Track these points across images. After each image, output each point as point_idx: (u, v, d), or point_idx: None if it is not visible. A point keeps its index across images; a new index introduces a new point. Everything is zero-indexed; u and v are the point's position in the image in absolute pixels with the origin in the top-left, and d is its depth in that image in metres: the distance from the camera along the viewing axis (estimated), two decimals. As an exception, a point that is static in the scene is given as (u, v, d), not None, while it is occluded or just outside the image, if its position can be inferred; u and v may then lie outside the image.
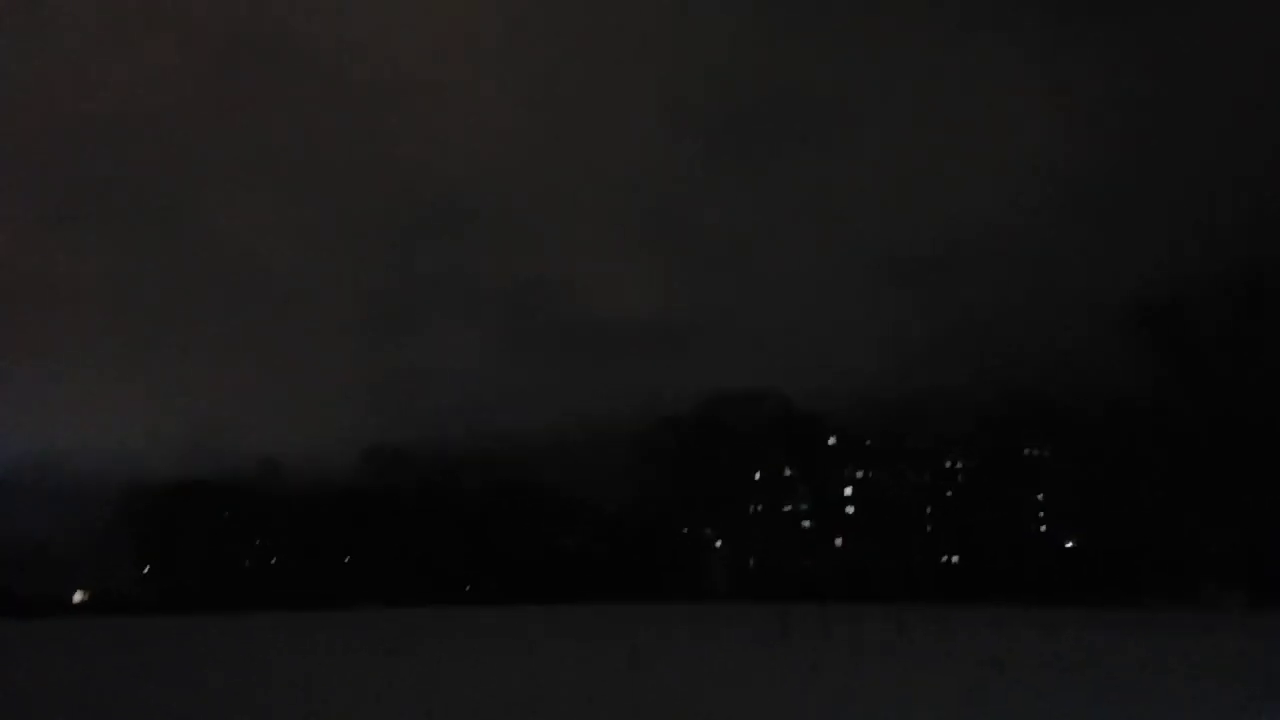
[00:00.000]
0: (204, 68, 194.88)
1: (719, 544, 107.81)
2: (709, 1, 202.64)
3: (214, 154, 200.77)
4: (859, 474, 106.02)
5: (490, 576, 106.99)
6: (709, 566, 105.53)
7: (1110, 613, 56.63)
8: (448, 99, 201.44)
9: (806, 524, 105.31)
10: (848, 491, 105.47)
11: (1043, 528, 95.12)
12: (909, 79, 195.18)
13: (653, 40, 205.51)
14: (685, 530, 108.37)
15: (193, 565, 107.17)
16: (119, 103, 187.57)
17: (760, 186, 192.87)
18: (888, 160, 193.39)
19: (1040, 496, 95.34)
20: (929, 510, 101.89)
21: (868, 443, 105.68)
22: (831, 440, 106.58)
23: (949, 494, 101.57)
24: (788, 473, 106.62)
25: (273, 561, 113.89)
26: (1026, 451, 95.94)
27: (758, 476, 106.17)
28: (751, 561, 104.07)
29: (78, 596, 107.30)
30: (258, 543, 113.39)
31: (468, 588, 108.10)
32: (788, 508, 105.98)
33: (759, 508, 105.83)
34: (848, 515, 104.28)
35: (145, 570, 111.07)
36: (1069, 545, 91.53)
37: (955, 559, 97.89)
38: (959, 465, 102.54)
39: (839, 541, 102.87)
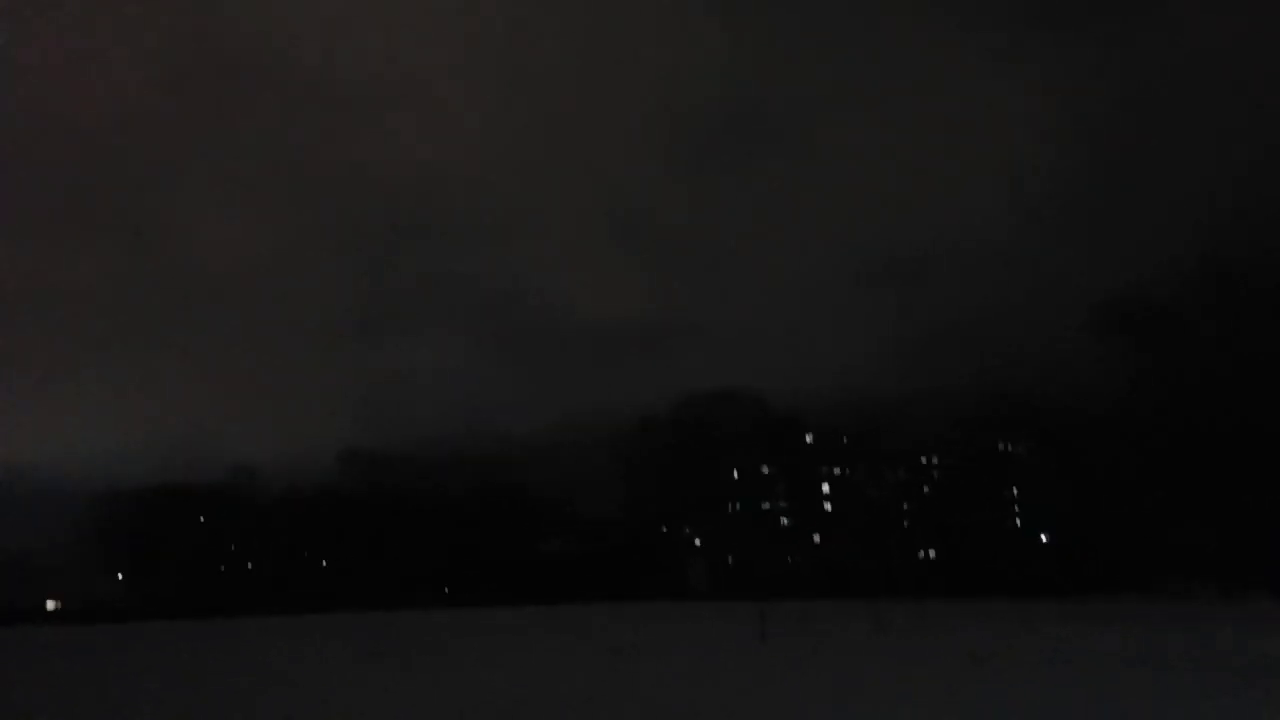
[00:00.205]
0: (177, 78, 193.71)
1: (698, 543, 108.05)
2: (687, 6, 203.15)
3: (189, 163, 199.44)
4: (836, 472, 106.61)
5: (470, 579, 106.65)
6: (689, 565, 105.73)
7: (1085, 605, 57.24)
8: (424, 106, 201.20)
9: (785, 522, 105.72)
10: (825, 489, 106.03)
11: (1018, 523, 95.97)
12: (887, 83, 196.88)
13: (630, 44, 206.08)
14: (665, 530, 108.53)
15: (168, 571, 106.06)
16: (91, 114, 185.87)
17: (738, 189, 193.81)
18: (865, 163, 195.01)
19: (1016, 492, 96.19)
20: (906, 507, 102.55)
21: (845, 441, 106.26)
22: (809, 439, 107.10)
23: (926, 491, 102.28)
24: (766, 471, 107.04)
25: (249, 566, 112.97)
26: (1002, 448, 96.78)
27: (736, 475, 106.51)
28: (731, 560, 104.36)
29: (50, 604, 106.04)
30: (233, 548, 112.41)
31: (447, 590, 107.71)
32: (766, 506, 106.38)
33: (738, 506, 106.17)
34: (826, 513, 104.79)
35: (120, 577, 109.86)
36: (1044, 540, 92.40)
37: (932, 554, 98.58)
38: (935, 462, 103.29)
39: (817, 539, 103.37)
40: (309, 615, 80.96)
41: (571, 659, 27.53)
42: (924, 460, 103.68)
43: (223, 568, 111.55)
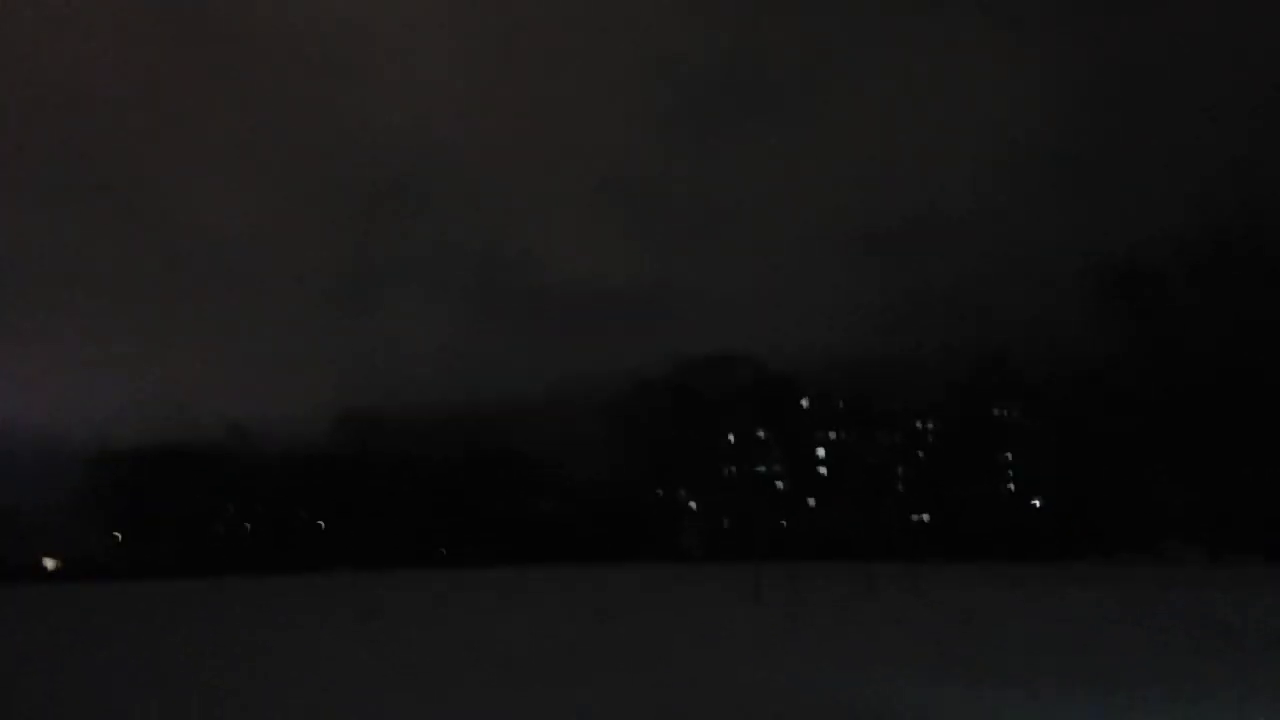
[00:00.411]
0: (161, 43, 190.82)
1: (693, 506, 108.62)
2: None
3: (180, 128, 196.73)
4: (831, 436, 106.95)
5: (465, 541, 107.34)
6: (683, 529, 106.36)
7: (1077, 569, 57.77)
8: (409, 67, 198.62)
9: (779, 485, 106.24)
10: (820, 453, 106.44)
11: (1011, 487, 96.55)
12: (879, 50, 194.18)
13: (619, 6, 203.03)
14: (659, 493, 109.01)
15: (165, 532, 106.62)
16: (69, 83, 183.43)
17: (729, 154, 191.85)
18: (859, 128, 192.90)
19: (1009, 457, 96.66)
20: (900, 471, 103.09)
21: (840, 405, 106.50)
22: (804, 403, 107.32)
23: (920, 455, 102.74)
24: (761, 435, 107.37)
25: (246, 527, 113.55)
26: (996, 413, 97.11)
27: (731, 439, 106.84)
28: (725, 523, 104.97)
29: (49, 563, 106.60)
30: (231, 509, 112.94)
31: (443, 552, 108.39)
32: (761, 469, 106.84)
33: (732, 470, 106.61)
34: (820, 476, 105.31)
35: (117, 537, 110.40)
36: (1036, 504, 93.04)
37: (926, 518, 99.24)
38: (929, 427, 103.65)
39: (812, 502, 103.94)
40: (305, 575, 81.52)
41: (565, 619, 27.75)
42: (919, 425, 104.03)
43: (220, 528, 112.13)
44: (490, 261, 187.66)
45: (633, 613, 29.68)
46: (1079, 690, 13.58)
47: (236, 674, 17.69)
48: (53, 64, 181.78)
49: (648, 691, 14.33)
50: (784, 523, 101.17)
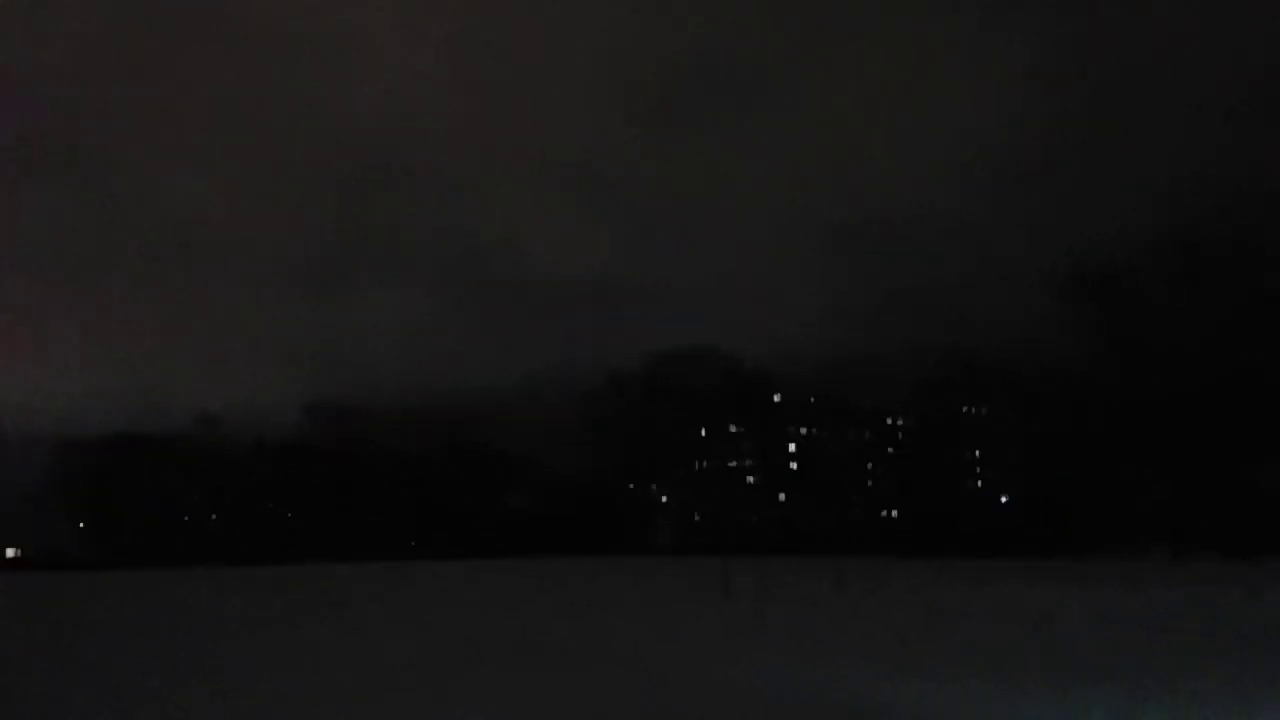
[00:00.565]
0: (135, 25, 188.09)
1: (665, 500, 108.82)
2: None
3: (150, 112, 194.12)
4: (803, 431, 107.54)
5: (436, 533, 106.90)
6: (655, 522, 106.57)
7: (1042, 565, 58.43)
8: (381, 53, 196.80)
9: (751, 480, 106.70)
10: (792, 448, 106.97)
11: (979, 484, 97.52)
12: (854, 49, 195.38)
13: (587, 3, 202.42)
14: (631, 487, 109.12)
15: (130, 521, 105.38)
16: (44, 60, 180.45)
17: (701, 148, 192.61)
18: (832, 128, 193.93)
19: (977, 454, 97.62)
20: (870, 467, 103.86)
21: (812, 401, 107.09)
22: (776, 398, 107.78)
23: (890, 451, 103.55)
24: (733, 430, 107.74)
25: (213, 517, 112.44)
26: (965, 411, 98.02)
27: (703, 434, 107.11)
28: (697, 517, 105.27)
29: (11, 552, 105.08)
30: (197, 498, 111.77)
31: (413, 544, 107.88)
32: (733, 464, 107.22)
33: (704, 464, 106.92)
34: (792, 471, 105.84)
35: (81, 526, 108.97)
36: (1004, 501, 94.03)
37: (895, 514, 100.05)
38: (899, 423, 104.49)
39: (782, 497, 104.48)
40: (272, 566, 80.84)
41: (535, 612, 27.71)
42: (889, 421, 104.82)
43: (186, 518, 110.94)
44: (464, 253, 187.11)
45: (602, 606, 29.68)
46: (1044, 686, 13.73)
47: (202, 666, 17.51)
48: (21, 44, 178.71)
49: (617, 685, 14.34)
50: (754, 517, 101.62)
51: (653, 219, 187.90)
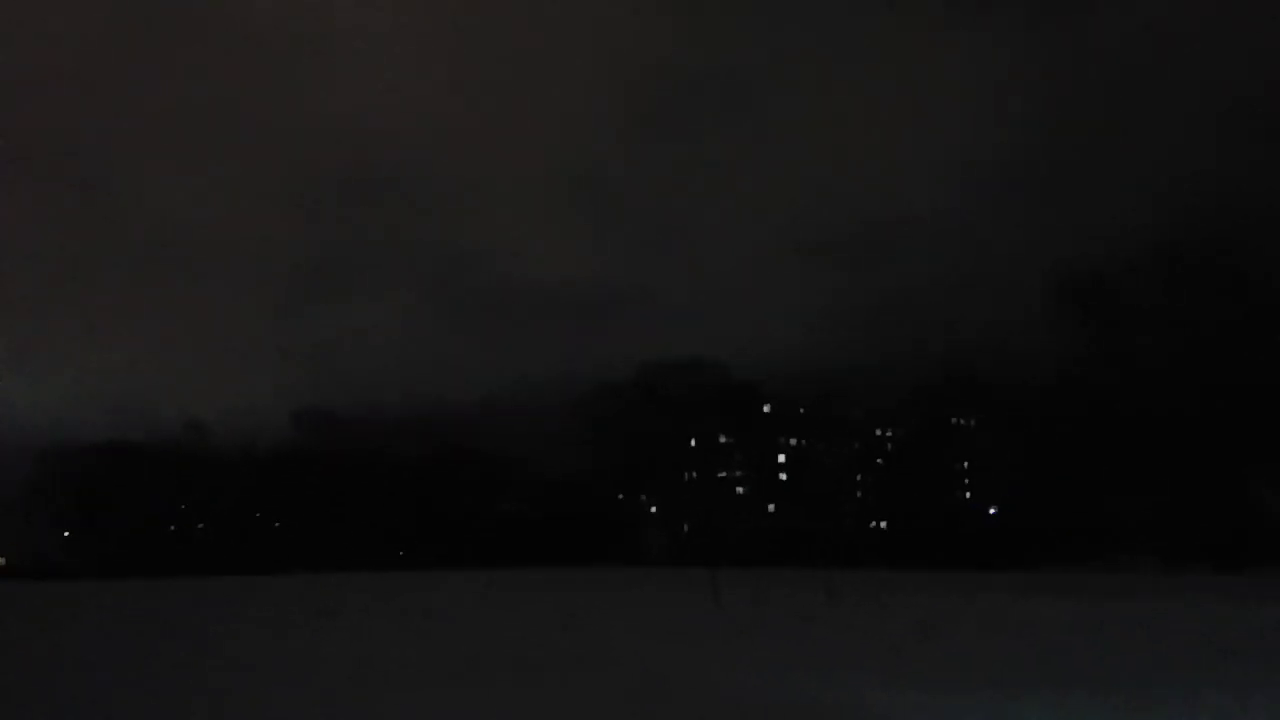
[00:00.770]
0: (117, 31, 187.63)
1: (654, 510, 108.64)
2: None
3: (137, 119, 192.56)
4: (793, 442, 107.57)
5: (425, 541, 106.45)
6: (644, 532, 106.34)
7: (1032, 576, 58.48)
8: (376, 66, 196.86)
9: (741, 490, 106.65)
10: (781, 459, 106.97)
11: (969, 495, 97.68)
12: (844, 56, 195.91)
13: (580, 10, 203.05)
14: (621, 496, 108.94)
15: (117, 529, 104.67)
16: (23, 67, 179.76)
17: (689, 158, 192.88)
18: (822, 136, 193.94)
19: (966, 465, 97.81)
20: (860, 478, 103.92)
21: (801, 411, 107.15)
22: (766, 409, 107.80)
23: (879, 462, 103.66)
24: (723, 440, 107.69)
25: (201, 525, 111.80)
26: (954, 421, 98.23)
27: (693, 443, 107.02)
28: (686, 527, 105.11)
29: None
30: (184, 507, 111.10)
31: (402, 553, 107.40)
32: (723, 474, 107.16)
33: (694, 474, 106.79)
34: (781, 482, 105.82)
35: (67, 534, 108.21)
36: (993, 512, 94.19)
37: (884, 525, 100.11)
38: (889, 434, 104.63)
39: (772, 508, 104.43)
40: (262, 576, 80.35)
41: (525, 622, 27.57)
42: (878, 432, 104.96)
43: (174, 526, 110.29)
44: (453, 259, 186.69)
45: (592, 616, 29.55)
46: (1036, 697, 13.68)
47: (189, 677, 17.34)
48: (5, 46, 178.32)
49: (607, 695, 14.24)
50: (744, 528, 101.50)
51: (646, 226, 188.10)
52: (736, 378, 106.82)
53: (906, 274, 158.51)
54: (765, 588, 43.64)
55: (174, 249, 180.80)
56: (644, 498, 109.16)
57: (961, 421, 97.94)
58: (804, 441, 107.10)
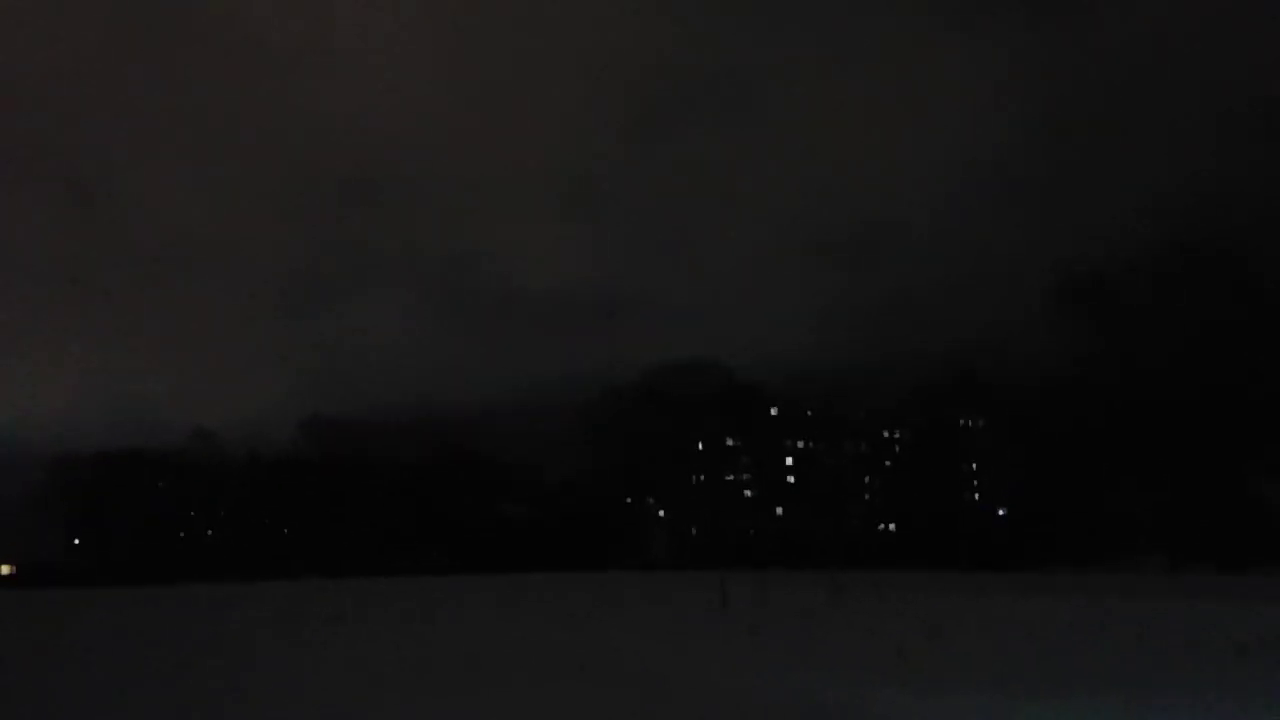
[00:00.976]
0: (116, 38, 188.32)
1: (662, 513, 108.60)
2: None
3: (138, 125, 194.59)
4: (799, 444, 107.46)
5: (432, 546, 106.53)
6: (652, 535, 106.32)
7: (1039, 577, 58.38)
8: (376, 70, 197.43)
9: (748, 493, 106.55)
10: (789, 461, 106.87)
11: (976, 495, 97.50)
12: (844, 59, 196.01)
13: (579, 11, 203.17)
14: (628, 500, 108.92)
15: (125, 537, 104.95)
16: (23, 74, 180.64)
17: (689, 160, 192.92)
18: (824, 139, 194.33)
19: (974, 466, 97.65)
20: (867, 479, 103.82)
21: (808, 414, 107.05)
22: (773, 411, 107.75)
23: (886, 464, 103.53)
24: (730, 443, 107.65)
25: (209, 533, 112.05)
26: (961, 423, 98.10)
27: (700, 446, 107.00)
28: (694, 530, 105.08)
29: (4, 569, 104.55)
30: (192, 514, 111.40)
31: (408, 558, 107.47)
32: (730, 477, 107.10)
33: (701, 477, 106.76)
34: (788, 484, 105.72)
35: (76, 542, 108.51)
36: (1000, 513, 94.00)
37: (892, 526, 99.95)
38: (896, 436, 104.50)
39: (779, 510, 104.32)
40: (268, 582, 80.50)
41: (532, 626, 27.62)
42: (885, 434, 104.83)
43: (181, 533, 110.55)
44: (457, 265, 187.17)
45: (600, 619, 29.59)
46: (1042, 697, 13.71)
47: (198, 683, 17.43)
48: (6, 55, 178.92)
49: (615, 699, 14.29)
50: (752, 530, 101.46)
51: (648, 229, 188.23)
52: (740, 380, 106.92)
53: (909, 274, 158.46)
54: (773, 589, 43.62)
55: (175, 251, 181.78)
56: (651, 500, 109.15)
57: (968, 422, 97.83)
58: (811, 443, 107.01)
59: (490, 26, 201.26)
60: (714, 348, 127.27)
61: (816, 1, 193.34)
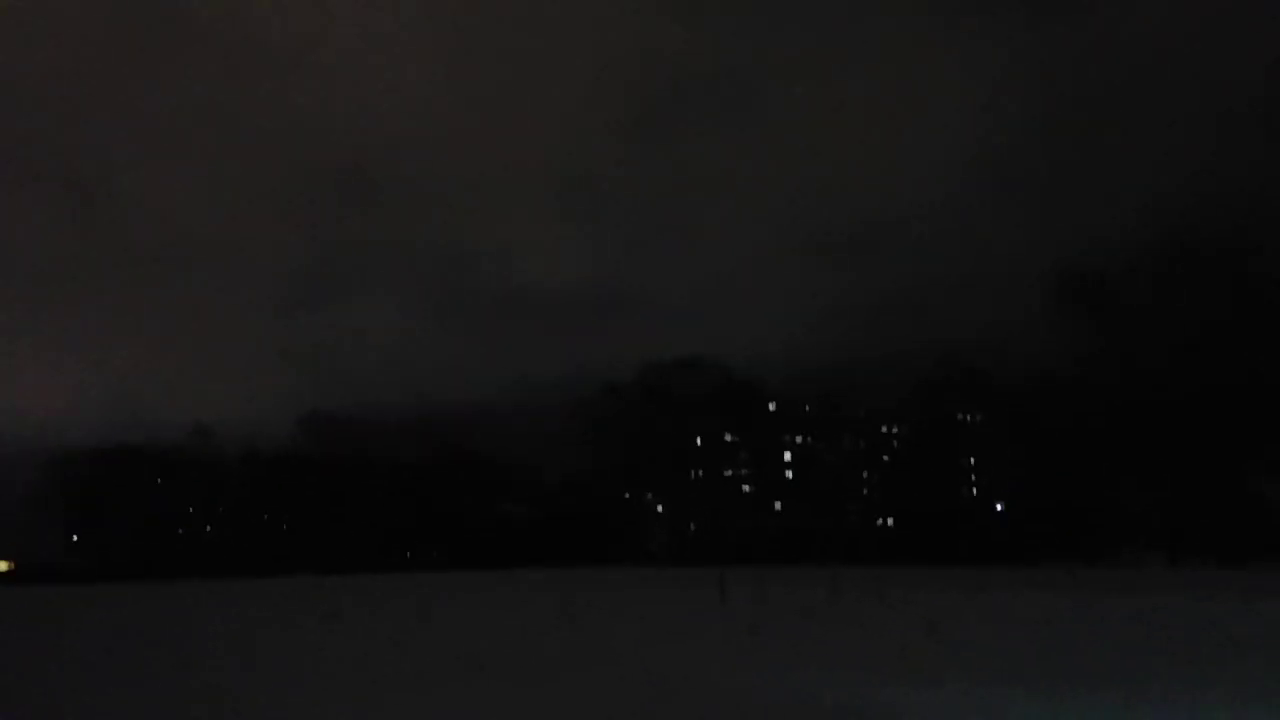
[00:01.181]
0: (115, 37, 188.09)
1: (660, 509, 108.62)
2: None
3: (136, 123, 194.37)
4: (798, 440, 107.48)
5: (431, 543, 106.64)
6: (650, 532, 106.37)
7: (1038, 572, 58.40)
8: (373, 69, 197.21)
9: (747, 489, 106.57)
10: (787, 457, 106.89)
11: (974, 491, 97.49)
12: (841, 55, 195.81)
13: (579, 11, 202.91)
14: (627, 496, 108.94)
15: (123, 533, 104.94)
16: (21, 73, 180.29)
17: (689, 159, 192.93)
18: (822, 135, 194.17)
19: (972, 461, 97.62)
20: (865, 475, 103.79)
21: (806, 409, 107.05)
22: (771, 407, 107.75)
23: (885, 459, 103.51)
24: (728, 439, 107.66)
25: (207, 529, 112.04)
26: (960, 418, 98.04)
27: (699, 442, 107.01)
28: (692, 526, 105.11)
29: (2, 565, 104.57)
30: (191, 510, 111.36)
31: (408, 554, 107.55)
32: (729, 473, 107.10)
33: (700, 473, 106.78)
34: (787, 480, 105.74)
35: (74, 539, 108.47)
36: (999, 508, 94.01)
37: (890, 522, 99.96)
38: (894, 431, 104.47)
39: (778, 505, 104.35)
40: (267, 579, 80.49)
41: (531, 622, 27.59)
42: (884, 429, 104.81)
43: (180, 530, 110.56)
44: (457, 262, 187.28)
45: (599, 616, 29.57)
46: (1042, 693, 13.67)
47: (194, 679, 17.38)
48: (6, 55, 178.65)
49: (614, 695, 14.25)
50: (750, 526, 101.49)
51: (646, 226, 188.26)
52: (739, 376, 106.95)
53: (908, 272, 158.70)
54: (772, 585, 43.62)
55: (174, 250, 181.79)
56: (649, 497, 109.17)
57: (967, 418, 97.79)
58: (809, 439, 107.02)
59: (490, 26, 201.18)
60: (713, 345, 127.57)
61: (816, 2, 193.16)
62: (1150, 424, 68.55)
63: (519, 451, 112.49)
